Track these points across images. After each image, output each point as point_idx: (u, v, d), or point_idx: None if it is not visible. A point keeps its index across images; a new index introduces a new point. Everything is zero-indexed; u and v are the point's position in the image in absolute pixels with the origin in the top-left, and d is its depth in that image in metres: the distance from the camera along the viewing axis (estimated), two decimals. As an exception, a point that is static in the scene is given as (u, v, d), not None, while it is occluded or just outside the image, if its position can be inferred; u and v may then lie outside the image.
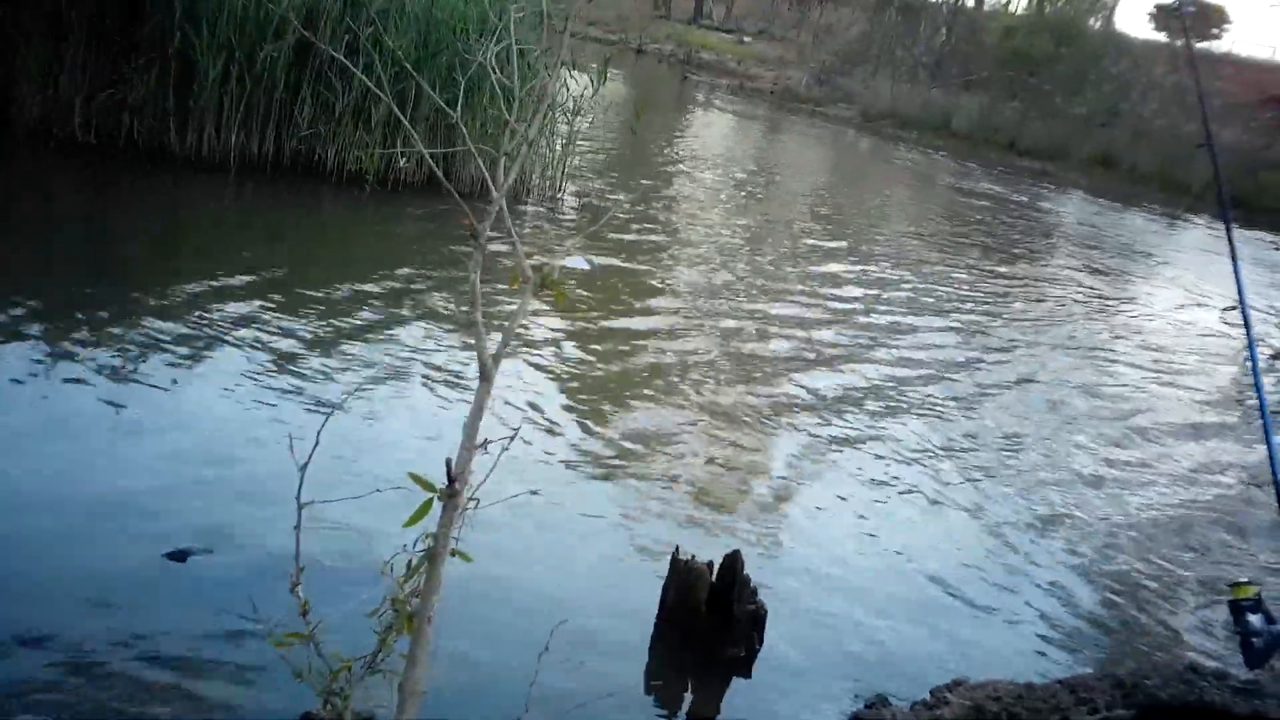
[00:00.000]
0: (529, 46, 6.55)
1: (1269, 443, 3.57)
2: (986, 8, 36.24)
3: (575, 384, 5.67)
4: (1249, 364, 3.71)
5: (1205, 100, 4.41)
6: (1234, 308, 3.71)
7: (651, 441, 5.13)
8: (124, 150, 7.79)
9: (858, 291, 9.06)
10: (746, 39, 37.02)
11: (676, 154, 15.46)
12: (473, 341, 2.16)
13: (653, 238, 9.44)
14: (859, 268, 10.00)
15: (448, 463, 2.01)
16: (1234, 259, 3.77)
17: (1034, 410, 6.87)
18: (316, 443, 2.10)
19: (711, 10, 41.37)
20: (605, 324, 6.79)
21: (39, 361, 4.64)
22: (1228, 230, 3.84)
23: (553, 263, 2.07)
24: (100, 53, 7.66)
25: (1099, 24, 35.34)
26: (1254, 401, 3.73)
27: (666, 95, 25.51)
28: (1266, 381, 5.89)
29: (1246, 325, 3.68)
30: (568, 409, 5.30)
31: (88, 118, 7.69)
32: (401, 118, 2.15)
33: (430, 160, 2.08)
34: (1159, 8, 29.17)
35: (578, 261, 7.56)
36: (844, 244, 11.09)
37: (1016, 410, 6.78)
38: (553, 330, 6.36)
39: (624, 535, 4.20)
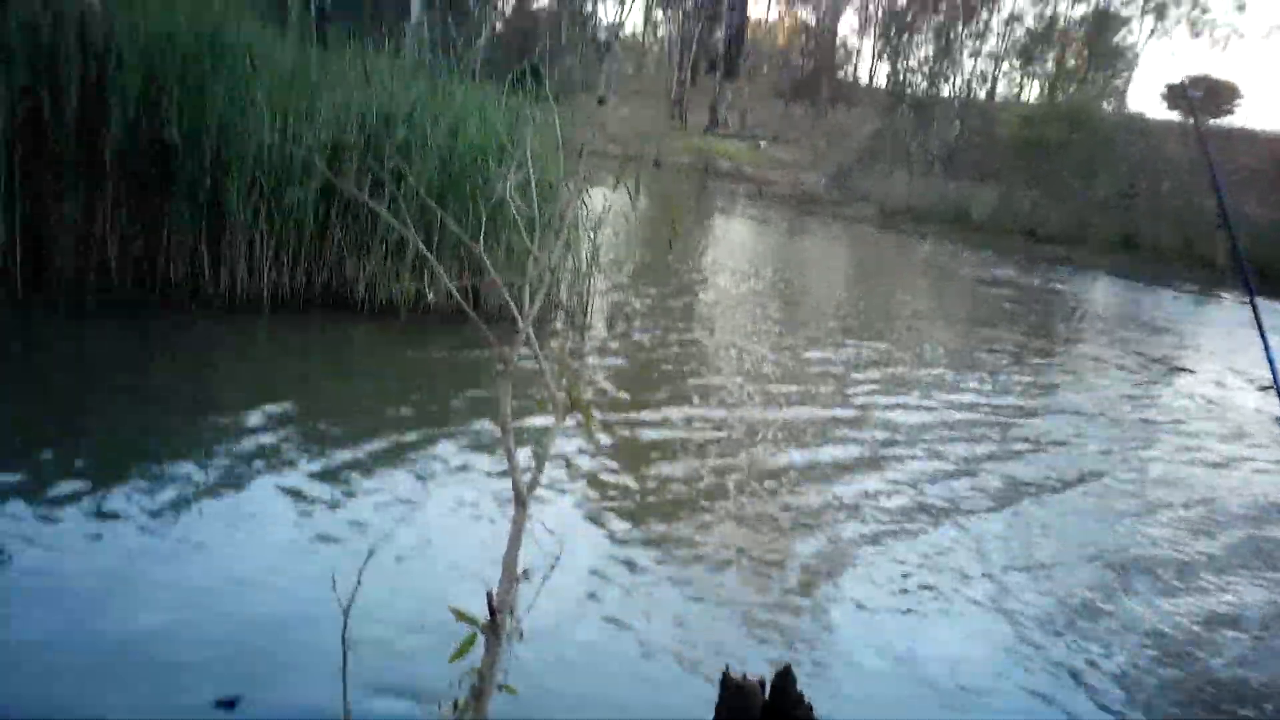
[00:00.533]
0: (548, 172, 6.69)
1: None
2: (998, 99, 36.79)
3: (612, 502, 5.65)
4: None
5: (1220, 180, 4.42)
6: (1270, 387, 3.67)
7: (693, 556, 5.09)
8: (160, 295, 7.95)
9: (890, 389, 9.03)
10: (762, 144, 37.63)
11: (700, 262, 15.62)
12: (507, 468, 2.18)
13: (681, 348, 9.49)
14: (889, 367, 9.99)
15: (488, 595, 2.02)
16: (1264, 337, 3.75)
17: (1075, 505, 6.78)
18: (359, 581, 2.12)
19: (726, 118, 42.15)
20: (638, 438, 6.79)
21: (76, 504, 4.68)
22: (1254, 308, 3.82)
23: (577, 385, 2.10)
24: (133, 201, 7.86)
25: (1111, 106, 35.78)
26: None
27: (687, 204, 25.87)
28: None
29: (1282, 403, 3.66)
30: (606, 529, 5.27)
31: (123, 266, 7.86)
32: (426, 251, 2.20)
33: (455, 292, 2.13)
34: (1170, 88, 29.50)
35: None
36: (871, 343, 11.10)
37: (1058, 507, 6.69)
38: (586, 449, 6.36)
39: (673, 656, 4.14)
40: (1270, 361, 3.71)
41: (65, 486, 4.85)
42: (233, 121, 7.92)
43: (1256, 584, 5.69)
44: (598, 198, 9.92)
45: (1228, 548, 6.21)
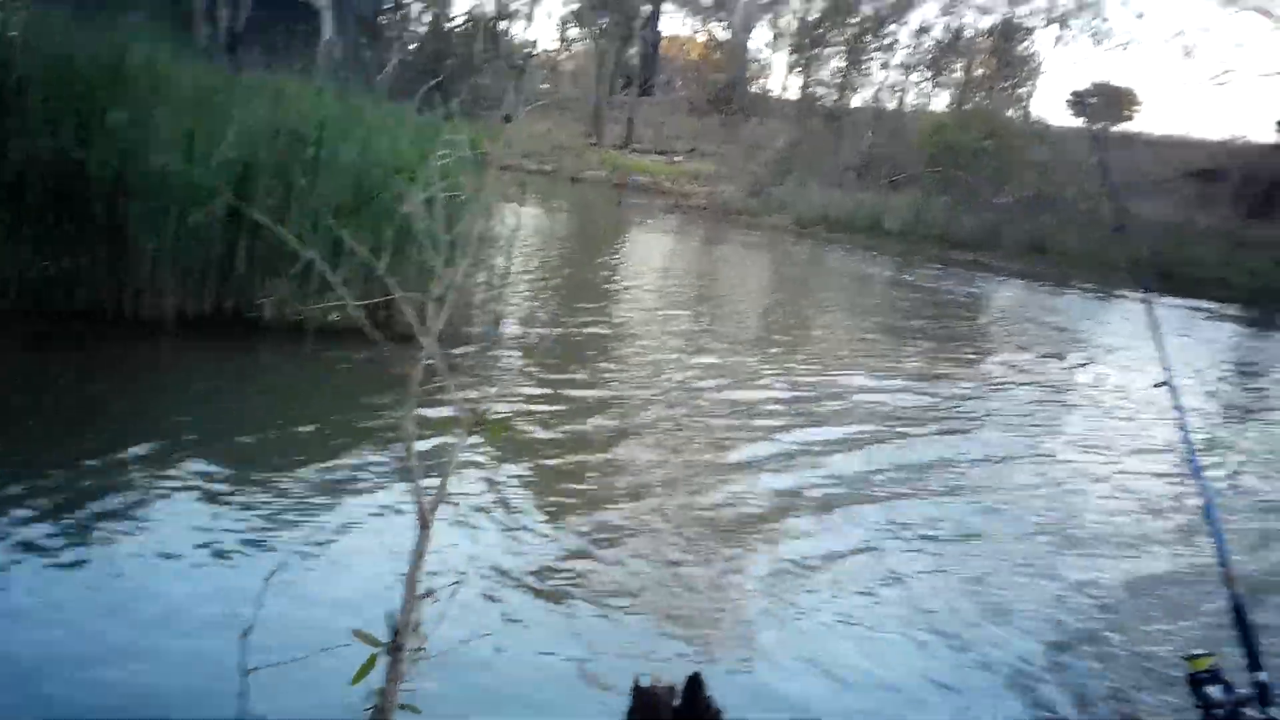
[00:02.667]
0: (457, 191, 6.65)
1: (1209, 510, 3.62)
2: (909, 108, 37.40)
3: (521, 518, 5.64)
4: (1182, 436, 3.77)
5: (1114, 184, 4.55)
6: (1163, 383, 3.79)
7: (603, 569, 5.10)
8: (64, 320, 7.75)
9: (802, 393, 9.13)
10: (678, 159, 37.82)
11: (617, 276, 15.67)
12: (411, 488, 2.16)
13: (594, 360, 9.52)
14: (803, 370, 10.10)
15: (388, 616, 2.00)
16: (1157, 336, 3.87)
17: (981, 497, 6.93)
18: (258, 607, 2.08)
19: (642, 133, 42.29)
20: (547, 454, 6.79)
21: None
22: (1149, 308, 3.94)
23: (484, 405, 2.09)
24: (34, 227, 7.67)
25: (1019, 114, 36.56)
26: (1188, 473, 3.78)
27: (604, 219, 25.94)
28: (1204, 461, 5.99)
29: (1175, 398, 3.76)
30: (514, 546, 5.26)
31: (23, 290, 7.65)
32: (327, 270, 2.17)
33: (355, 313, 2.11)
34: (1074, 94, 30.22)
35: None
36: (786, 348, 11.22)
37: (968, 499, 6.84)
38: (495, 466, 6.35)
39: (582, 669, 4.14)
40: (1162, 356, 3.83)
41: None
42: (136, 144, 7.77)
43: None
44: (515, 213, 9.92)
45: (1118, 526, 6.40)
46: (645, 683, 3.50)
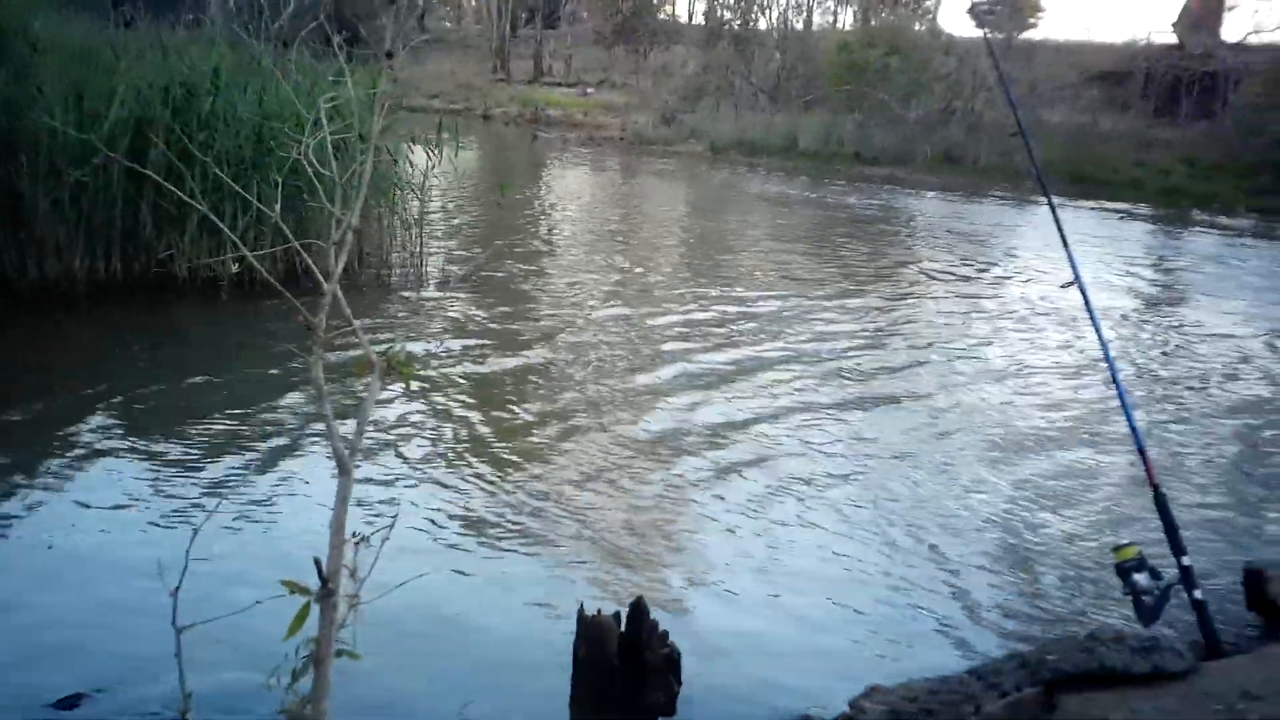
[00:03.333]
0: (348, 134, 6.56)
1: (1124, 406, 3.72)
2: (815, 29, 37.32)
3: (451, 459, 5.63)
4: (1095, 332, 3.86)
5: (1010, 91, 4.60)
6: (1071, 283, 3.86)
7: (538, 503, 5.11)
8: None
9: (728, 316, 9.17)
10: (589, 91, 37.50)
11: (536, 211, 15.54)
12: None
13: (514, 295, 9.47)
14: (726, 293, 10.13)
15: (316, 562, 1.98)
16: (1063, 238, 3.94)
17: (906, 409, 7.05)
18: (186, 564, 2.05)
19: (551, 66, 41.84)
20: (471, 392, 6.77)
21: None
22: (1053, 211, 4.00)
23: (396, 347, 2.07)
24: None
25: (924, 28, 36.66)
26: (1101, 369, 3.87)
27: (519, 156, 25.67)
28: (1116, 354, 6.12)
29: (1085, 299, 3.84)
30: (448, 487, 5.25)
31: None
32: (219, 222, 2.14)
33: (256, 263, 2.07)
34: (973, 5, 30.32)
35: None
36: (708, 273, 11.24)
37: (890, 413, 6.95)
38: (420, 409, 6.32)
39: (525, 602, 4.15)
40: (1070, 257, 3.90)
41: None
42: (19, 104, 7.52)
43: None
44: (422, 155, 9.77)
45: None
46: (590, 612, 3.54)
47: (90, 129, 7.61)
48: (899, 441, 6.34)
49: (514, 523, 4.88)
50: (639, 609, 3.52)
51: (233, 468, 5.28)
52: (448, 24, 52.92)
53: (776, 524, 5.05)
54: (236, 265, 7.79)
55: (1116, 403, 3.97)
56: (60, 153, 7.60)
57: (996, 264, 13.47)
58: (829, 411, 6.82)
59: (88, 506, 4.74)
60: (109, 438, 5.52)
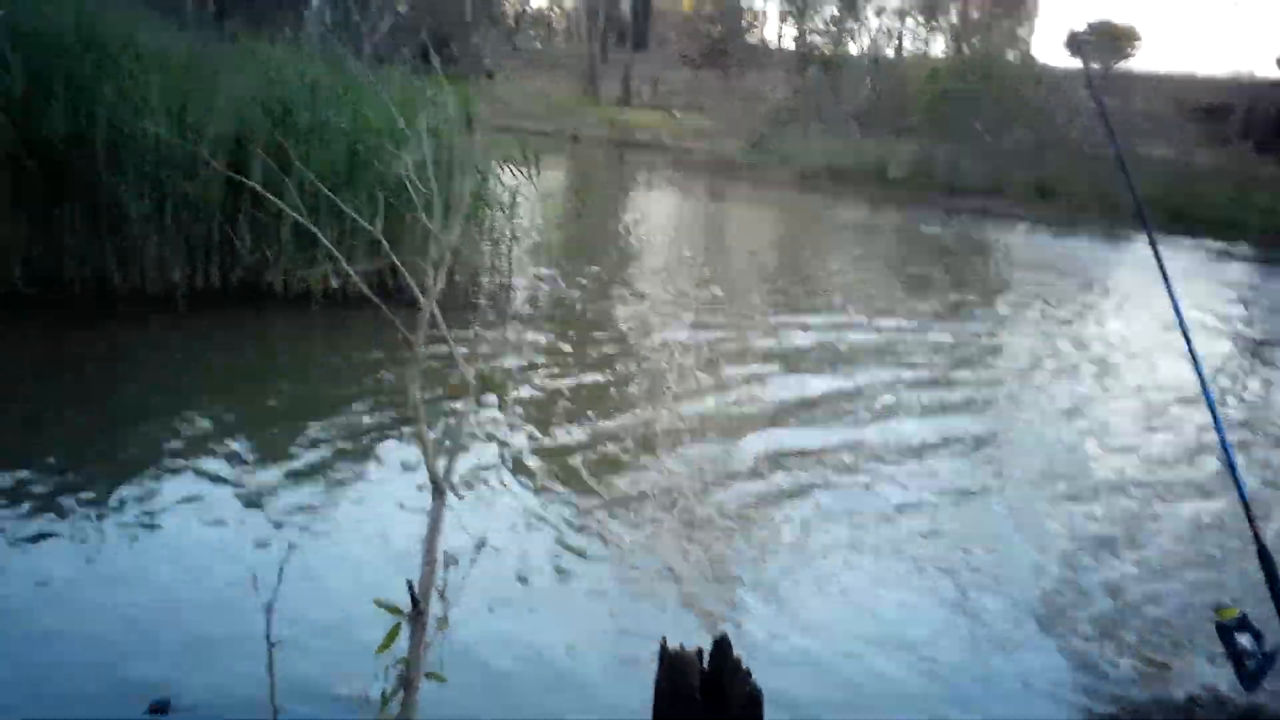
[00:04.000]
0: (450, 152, 6.62)
1: (1228, 455, 3.59)
2: (906, 55, 37.08)
3: (540, 484, 5.60)
4: (1197, 377, 3.73)
5: (1111, 125, 4.48)
6: (1173, 324, 3.74)
7: (626, 534, 5.06)
8: (69, 298, 7.73)
9: (809, 343, 9.10)
10: (678, 114, 37.59)
11: (624, 233, 15.59)
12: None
13: (603, 317, 9.46)
14: (807, 321, 10.04)
15: (409, 584, 1.98)
16: (1164, 276, 3.81)
17: (992, 447, 6.91)
18: (279, 579, 2.06)
19: (640, 89, 42.04)
20: (559, 415, 6.75)
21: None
22: (1154, 248, 3.88)
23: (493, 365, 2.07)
24: (31, 205, 7.62)
25: (1017, 57, 36.22)
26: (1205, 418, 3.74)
27: (607, 178, 25.80)
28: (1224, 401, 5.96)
29: (1187, 340, 3.72)
30: (534, 511, 5.22)
31: (28, 270, 7.62)
32: (322, 238, 2.16)
33: (358, 278, 2.09)
34: (1071, 34, 29.88)
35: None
36: (800, 301, 11.16)
37: (988, 452, 6.80)
38: (511, 429, 6.32)
39: (609, 633, 4.12)
40: (1172, 300, 3.77)
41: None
42: (124, 118, 7.72)
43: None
44: (517, 174, 9.85)
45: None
46: (673, 646, 3.50)
47: (192, 142, 7.78)
48: (982, 481, 6.20)
49: (599, 551, 4.85)
50: (722, 645, 3.47)
51: (322, 482, 5.31)
52: (539, 44, 53.48)
53: (858, 568, 4.94)
54: (336, 281, 7.89)
55: (1216, 450, 3.83)
56: (163, 164, 7.78)
57: (1090, 299, 13.21)
58: (912, 446, 6.70)
59: (179, 516, 4.79)
60: (202, 450, 5.58)
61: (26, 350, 7.23)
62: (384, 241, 2.19)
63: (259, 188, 2.87)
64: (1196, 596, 4.73)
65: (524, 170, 9.83)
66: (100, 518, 4.69)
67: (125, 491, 4.97)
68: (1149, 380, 8.88)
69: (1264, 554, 3.49)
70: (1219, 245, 19.21)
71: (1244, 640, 3.34)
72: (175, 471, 5.27)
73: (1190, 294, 13.07)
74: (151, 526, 4.68)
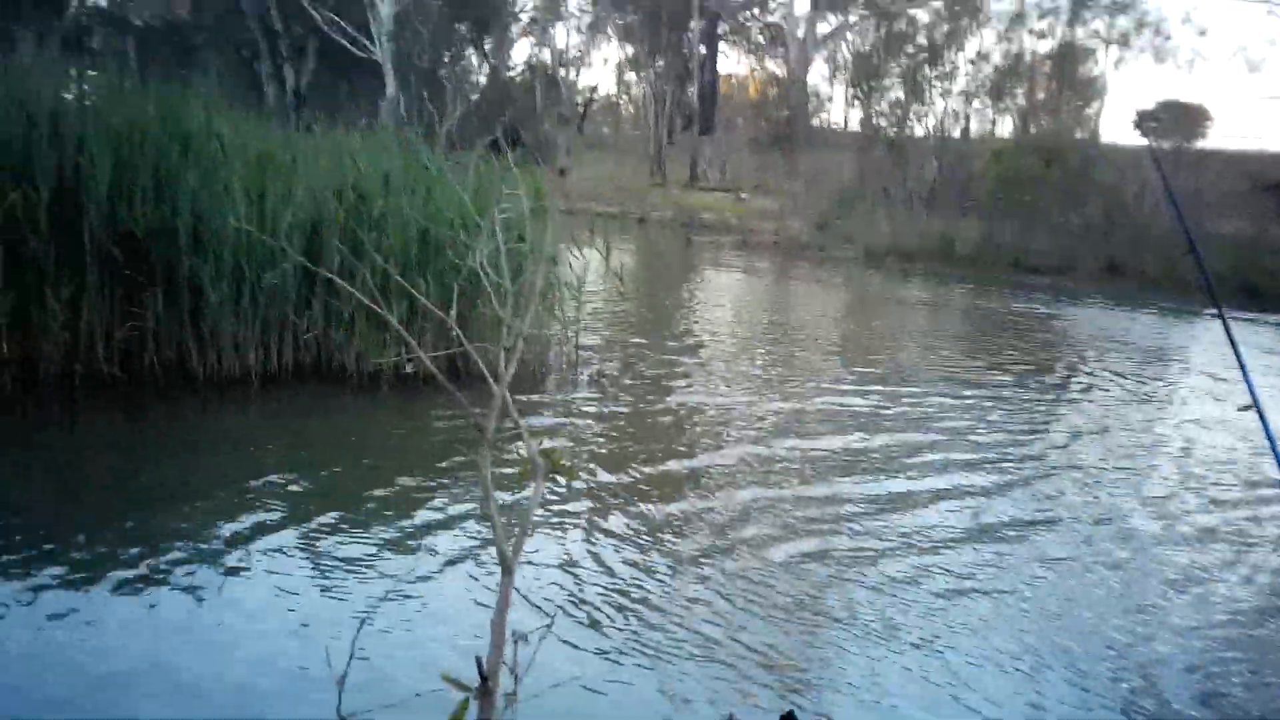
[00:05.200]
0: (520, 242, 6.77)
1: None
2: (973, 135, 37.11)
3: (606, 559, 5.64)
4: (1275, 462, 3.65)
5: (1178, 201, 4.48)
6: (1249, 406, 3.68)
7: (692, 608, 5.07)
8: (149, 380, 7.97)
9: (892, 425, 9.04)
10: (744, 195, 37.83)
11: (690, 314, 15.69)
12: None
13: (670, 396, 9.50)
14: (891, 402, 9.99)
15: (478, 660, 2.02)
16: (1238, 356, 3.78)
17: (1076, 527, 6.79)
18: (351, 654, 2.11)
19: (706, 172, 42.44)
20: (629, 498, 6.78)
21: (71, 599, 4.66)
22: (1226, 327, 3.86)
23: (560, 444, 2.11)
24: (116, 289, 7.89)
25: (1085, 136, 36.09)
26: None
27: (674, 259, 26.00)
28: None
29: (1264, 422, 3.66)
30: (601, 586, 5.27)
31: (110, 353, 7.87)
32: (396, 324, 2.25)
33: (429, 363, 2.15)
34: (1138, 114, 29.77)
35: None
36: (868, 381, 11.10)
37: (1058, 532, 6.71)
38: (578, 507, 6.36)
39: (676, 709, 4.12)
40: (1246, 378, 3.73)
41: (61, 577, 4.84)
42: (208, 207, 8.00)
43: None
44: (584, 257, 10.00)
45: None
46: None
47: (270, 229, 8.03)
48: (1053, 555, 6.13)
49: (669, 626, 4.86)
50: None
51: (392, 560, 5.40)
52: (606, 129, 54.33)
53: (925, 640, 4.90)
54: (410, 366, 8.05)
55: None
56: (242, 252, 8.03)
57: (1162, 379, 13.00)
58: (981, 517, 6.66)
59: (251, 592, 4.90)
60: (272, 525, 5.71)
61: (109, 428, 7.46)
62: (458, 330, 2.27)
63: (334, 276, 2.98)
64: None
65: (594, 250, 9.98)
66: (174, 589, 4.80)
67: (199, 565, 5.09)
68: (1226, 464, 8.70)
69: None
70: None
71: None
72: (246, 546, 5.38)
73: (1267, 373, 12.83)
74: (222, 600, 4.77)
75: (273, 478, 6.51)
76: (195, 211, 8.00)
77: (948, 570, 5.77)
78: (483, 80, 46.30)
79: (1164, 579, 5.95)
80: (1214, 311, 4.07)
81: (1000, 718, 4.26)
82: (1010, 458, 8.31)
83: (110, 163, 7.82)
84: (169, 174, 8.06)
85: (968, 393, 10.63)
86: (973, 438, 8.78)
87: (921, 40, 36.67)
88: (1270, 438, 3.69)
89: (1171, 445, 9.36)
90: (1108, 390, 11.70)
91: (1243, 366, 3.76)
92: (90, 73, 10.76)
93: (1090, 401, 11.05)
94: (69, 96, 8.80)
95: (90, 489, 6.22)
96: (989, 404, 10.18)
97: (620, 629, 4.79)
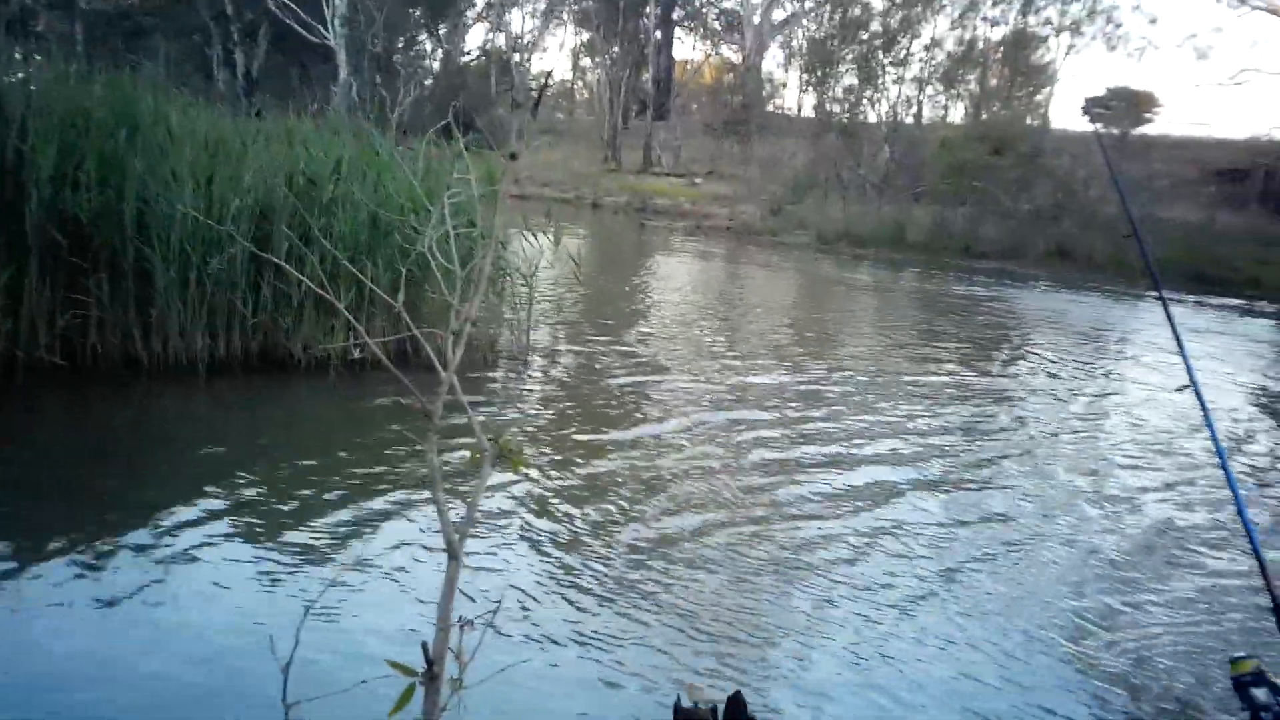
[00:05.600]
0: (470, 227, 6.74)
1: (1240, 511, 3.59)
2: (925, 121, 37.33)
3: (552, 544, 5.65)
4: (1210, 436, 3.74)
5: (1124, 195, 4.55)
6: (1185, 387, 3.76)
7: (638, 597, 5.09)
8: (94, 367, 7.86)
9: (837, 405, 9.11)
10: (698, 181, 37.89)
11: (642, 298, 15.70)
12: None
13: (621, 382, 9.51)
14: (837, 383, 10.07)
15: (424, 646, 2.02)
16: (1177, 339, 3.85)
17: (1017, 502, 6.90)
18: (297, 641, 2.10)
19: (660, 157, 42.43)
20: (573, 478, 6.80)
21: (14, 586, 4.61)
22: (1168, 314, 3.93)
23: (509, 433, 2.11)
24: (59, 275, 7.77)
25: (1035, 123, 36.40)
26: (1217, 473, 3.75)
27: (627, 244, 25.99)
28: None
29: (1200, 401, 3.73)
30: (547, 572, 5.28)
31: (52, 340, 7.74)
32: (344, 311, 2.23)
33: (377, 349, 2.14)
34: (1088, 100, 30.05)
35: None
36: (817, 363, 11.18)
37: (999, 507, 6.81)
38: (525, 493, 6.37)
39: (622, 695, 4.13)
40: (1185, 359, 3.80)
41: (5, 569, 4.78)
42: (154, 193, 7.89)
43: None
44: (535, 242, 9.97)
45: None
46: (686, 703, 3.51)
47: (218, 215, 7.93)
48: (996, 543, 6.21)
49: (612, 610, 4.88)
50: (736, 702, 3.48)
51: (339, 548, 5.38)
52: (560, 115, 54.18)
53: (871, 620, 4.96)
54: (358, 351, 8.00)
55: (1230, 508, 3.84)
56: (189, 237, 7.93)
57: (1105, 361, 13.21)
58: (925, 505, 6.74)
59: (196, 580, 4.86)
60: (218, 515, 5.67)
61: (52, 417, 7.35)
62: (405, 316, 2.26)
63: (282, 263, 2.95)
64: (1214, 650, 4.72)
65: (543, 234, 9.96)
66: (118, 580, 4.75)
67: (144, 556, 5.04)
68: (1164, 440, 8.86)
69: (1278, 606, 3.49)
70: (1239, 304, 19.23)
71: (1260, 694, 3.32)
72: (191, 536, 5.34)
73: (1209, 353, 13.08)
74: (167, 590, 4.73)
75: (218, 466, 6.45)
76: (141, 196, 7.90)
77: (882, 563, 5.83)
78: (436, 66, 46.02)
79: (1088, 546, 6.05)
80: (1157, 294, 4.14)
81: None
82: (947, 446, 8.40)
83: (54, 147, 7.70)
84: (114, 159, 7.94)
85: (904, 382, 10.72)
86: (906, 429, 8.85)
87: (876, 27, 36.79)
88: (1205, 410, 3.77)
89: (1108, 421, 9.53)
90: (1048, 376, 11.86)
91: (1181, 347, 3.83)
92: (35, 57, 10.56)
93: (1029, 386, 11.19)
94: (12, 81, 8.65)
95: (30, 479, 6.12)
96: (926, 385, 10.28)
97: (563, 614, 4.80)
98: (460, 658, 2.07)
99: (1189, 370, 3.79)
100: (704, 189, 35.75)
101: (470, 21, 46.99)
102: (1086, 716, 4.19)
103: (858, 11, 36.57)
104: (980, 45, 39.92)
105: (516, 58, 46.13)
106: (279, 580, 4.91)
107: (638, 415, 8.50)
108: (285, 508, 5.86)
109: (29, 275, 7.63)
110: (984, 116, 36.04)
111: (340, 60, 34.24)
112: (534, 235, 9.97)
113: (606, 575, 5.28)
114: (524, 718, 3.80)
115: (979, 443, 8.44)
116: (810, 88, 41.15)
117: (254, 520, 5.64)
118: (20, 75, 9.08)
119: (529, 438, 7.50)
